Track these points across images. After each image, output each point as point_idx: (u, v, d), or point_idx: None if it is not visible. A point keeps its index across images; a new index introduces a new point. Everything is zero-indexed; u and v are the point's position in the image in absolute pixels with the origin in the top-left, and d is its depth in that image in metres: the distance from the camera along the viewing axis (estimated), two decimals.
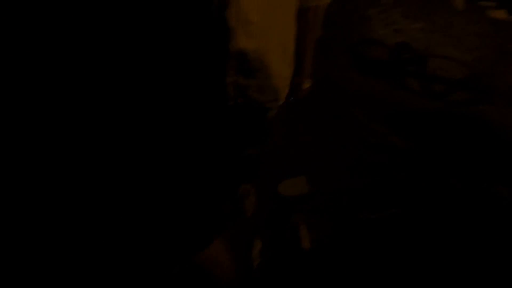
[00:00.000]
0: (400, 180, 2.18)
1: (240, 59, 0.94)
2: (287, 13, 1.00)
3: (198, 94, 1.02)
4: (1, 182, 1.53)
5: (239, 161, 1.24)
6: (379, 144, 2.48)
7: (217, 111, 1.06)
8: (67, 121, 1.48)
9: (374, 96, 3.00)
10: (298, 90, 1.26)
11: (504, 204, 2.00)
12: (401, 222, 1.91)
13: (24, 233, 1.56)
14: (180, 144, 1.12)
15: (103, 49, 1.03)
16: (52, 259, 1.55)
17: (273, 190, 2.03)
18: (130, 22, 0.93)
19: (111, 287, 1.49)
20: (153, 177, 1.19)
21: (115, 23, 0.95)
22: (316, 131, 2.55)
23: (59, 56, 1.33)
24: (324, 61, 3.55)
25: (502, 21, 4.41)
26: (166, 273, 1.39)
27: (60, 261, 1.55)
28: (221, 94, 1.00)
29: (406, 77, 3.25)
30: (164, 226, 1.26)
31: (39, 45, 1.36)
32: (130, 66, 1.01)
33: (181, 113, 1.06)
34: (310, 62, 1.24)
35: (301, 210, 1.95)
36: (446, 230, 1.88)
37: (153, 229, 1.30)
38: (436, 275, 1.69)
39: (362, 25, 4.27)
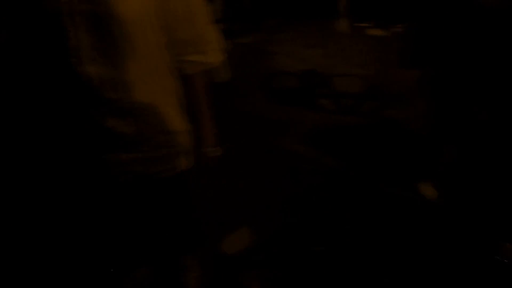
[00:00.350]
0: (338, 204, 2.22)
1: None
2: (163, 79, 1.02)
3: None
4: None
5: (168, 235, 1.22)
6: (311, 169, 2.58)
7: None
8: None
9: (294, 122, 3.22)
10: (206, 158, 1.22)
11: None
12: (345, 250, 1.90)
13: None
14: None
15: None
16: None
17: (218, 251, 1.89)
18: None
19: None
20: None
21: None
22: (247, 173, 2.49)
23: None
24: (244, 100, 3.72)
25: (379, 37, 5.22)
26: None
27: None
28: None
29: (318, 98, 3.55)
30: None
31: None
32: None
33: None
34: (210, 130, 1.20)
35: (250, 266, 1.82)
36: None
37: None
38: None
39: (270, 60, 4.60)
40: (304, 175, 2.51)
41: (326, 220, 2.09)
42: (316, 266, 1.80)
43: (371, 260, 1.82)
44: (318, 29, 5.66)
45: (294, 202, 2.25)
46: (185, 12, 0.97)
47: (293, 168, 2.58)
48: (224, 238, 1.95)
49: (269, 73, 4.14)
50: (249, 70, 4.23)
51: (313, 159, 2.70)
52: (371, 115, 3.26)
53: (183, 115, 1.10)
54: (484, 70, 1.79)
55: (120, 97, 0.93)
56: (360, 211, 2.15)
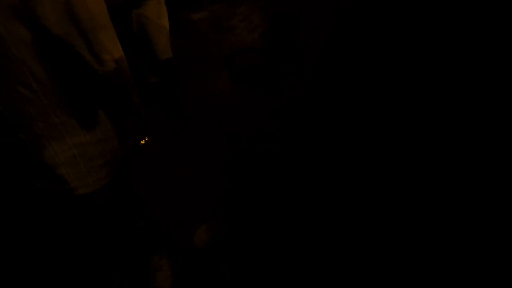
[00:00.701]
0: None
1: None
2: None
3: None
4: None
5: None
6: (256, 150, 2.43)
7: None
8: None
9: (255, 106, 2.96)
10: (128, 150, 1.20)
11: None
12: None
13: None
14: None
15: None
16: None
17: (188, 246, 1.80)
18: None
19: None
20: None
21: None
22: (208, 163, 2.39)
23: None
24: (202, 83, 3.41)
25: None
26: None
27: None
28: None
29: (285, 76, 3.28)
30: None
31: None
32: None
33: None
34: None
35: (222, 258, 1.73)
36: None
37: None
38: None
39: (230, 36, 4.25)
40: (264, 161, 2.34)
41: (289, 208, 1.96)
42: (286, 255, 1.70)
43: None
44: None
45: (258, 191, 2.11)
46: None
47: (251, 155, 2.42)
48: (193, 232, 1.86)
49: (231, 51, 3.81)
50: (213, 48, 3.89)
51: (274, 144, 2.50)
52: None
53: None
54: None
55: None
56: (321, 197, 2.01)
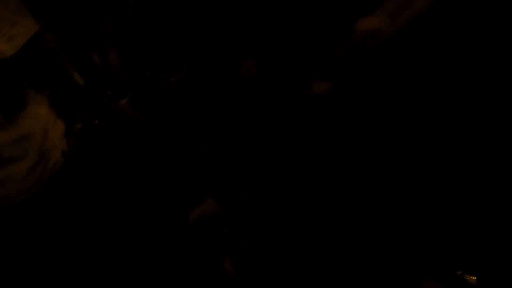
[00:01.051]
0: None
1: None
2: None
3: None
4: None
5: None
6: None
7: None
8: None
9: None
10: None
11: None
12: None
13: None
14: None
15: None
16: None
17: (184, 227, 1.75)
18: None
19: None
20: None
21: None
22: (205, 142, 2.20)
23: None
24: None
25: None
26: None
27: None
28: None
29: None
30: None
31: None
32: None
33: None
34: None
35: (220, 240, 1.71)
36: None
37: None
38: None
39: None
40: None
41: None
42: (284, 237, 1.69)
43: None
44: None
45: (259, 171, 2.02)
46: None
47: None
48: (190, 213, 1.78)
49: None
50: None
51: None
52: None
53: None
54: None
55: None
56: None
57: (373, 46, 1.46)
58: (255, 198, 1.88)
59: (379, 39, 1.42)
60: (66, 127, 1.06)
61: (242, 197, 1.89)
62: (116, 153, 1.99)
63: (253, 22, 1.64)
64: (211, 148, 2.18)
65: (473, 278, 1.54)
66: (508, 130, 1.61)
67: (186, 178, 2.01)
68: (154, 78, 1.55)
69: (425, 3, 1.32)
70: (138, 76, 1.42)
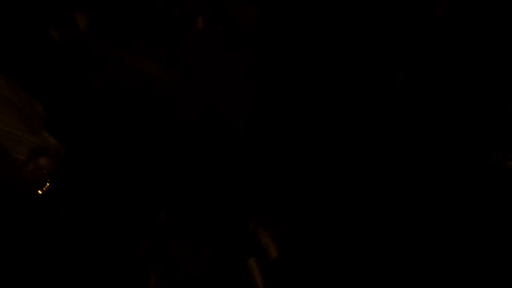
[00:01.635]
0: None
1: None
2: None
3: None
4: None
5: None
6: None
7: None
8: None
9: None
10: None
11: None
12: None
13: None
14: None
15: None
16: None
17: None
18: None
19: None
20: None
21: None
22: None
23: None
24: None
25: None
26: None
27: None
28: None
29: None
30: None
31: None
32: None
33: None
34: None
35: (254, 211, 1.72)
36: None
37: None
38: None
39: None
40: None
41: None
42: (318, 211, 1.68)
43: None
44: None
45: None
46: None
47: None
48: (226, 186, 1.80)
49: None
50: None
51: None
52: None
53: None
54: None
55: None
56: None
57: None
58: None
59: None
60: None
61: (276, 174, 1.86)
62: None
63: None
64: None
65: None
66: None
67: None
68: None
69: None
70: None
